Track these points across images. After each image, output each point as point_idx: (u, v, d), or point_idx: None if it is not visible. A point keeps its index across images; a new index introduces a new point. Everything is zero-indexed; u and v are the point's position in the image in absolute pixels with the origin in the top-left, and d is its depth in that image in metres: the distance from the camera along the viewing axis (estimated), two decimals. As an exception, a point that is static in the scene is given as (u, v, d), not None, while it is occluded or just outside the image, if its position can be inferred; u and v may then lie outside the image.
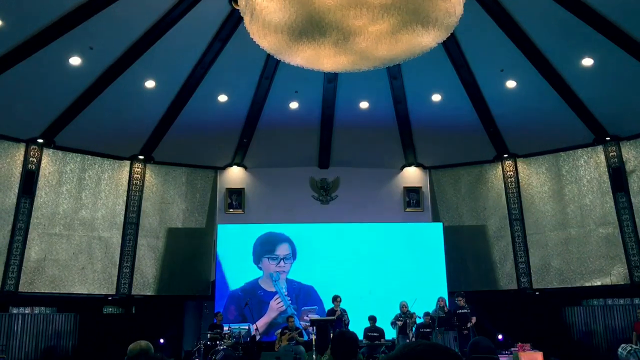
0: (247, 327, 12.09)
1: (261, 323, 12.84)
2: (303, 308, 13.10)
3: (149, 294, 13.31)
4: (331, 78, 11.95)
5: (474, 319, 11.34)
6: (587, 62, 11.02)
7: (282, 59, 6.85)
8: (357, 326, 11.25)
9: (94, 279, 12.74)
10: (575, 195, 13.10)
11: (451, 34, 6.84)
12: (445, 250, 13.53)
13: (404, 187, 14.63)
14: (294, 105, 12.91)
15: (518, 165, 13.89)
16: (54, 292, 12.22)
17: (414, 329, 11.32)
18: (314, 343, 10.35)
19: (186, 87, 11.98)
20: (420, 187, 14.61)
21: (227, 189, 14.37)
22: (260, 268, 13.47)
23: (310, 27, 5.84)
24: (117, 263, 13.04)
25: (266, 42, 6.41)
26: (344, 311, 11.43)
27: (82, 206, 12.86)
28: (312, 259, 13.49)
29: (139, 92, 11.79)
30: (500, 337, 11.79)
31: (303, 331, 11.72)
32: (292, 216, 13.95)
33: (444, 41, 6.90)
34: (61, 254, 12.42)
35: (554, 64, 11.24)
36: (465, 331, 11.22)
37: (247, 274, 13.43)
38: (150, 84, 11.70)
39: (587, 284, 12.64)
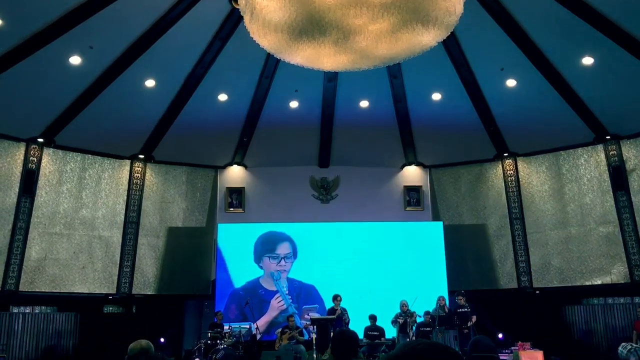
0: (248, 326, 12.10)
1: (262, 322, 12.84)
2: (304, 307, 13.11)
3: (149, 293, 13.32)
4: (331, 77, 11.95)
5: (474, 318, 11.35)
6: (588, 60, 11.02)
7: (282, 58, 6.84)
8: (358, 325, 11.25)
9: (94, 278, 12.75)
10: (575, 194, 13.10)
11: (451, 32, 6.84)
12: (446, 249, 13.53)
13: (404, 186, 14.63)
14: (294, 104, 12.90)
15: (518, 164, 13.89)
16: (55, 291, 12.23)
17: (414, 328, 11.32)
18: (314, 342, 10.36)
19: (186, 87, 11.98)
20: (421, 186, 14.61)
21: (228, 188, 14.38)
22: (261, 267, 13.47)
23: (310, 26, 5.84)
24: (118, 262, 13.04)
25: (266, 41, 6.41)
26: (344, 310, 11.44)
27: (83, 205, 12.87)
28: (313, 258, 13.49)
29: (139, 91, 11.79)
30: (500, 336, 11.78)
31: (303, 330, 11.73)
32: (292, 215, 13.95)
33: (444, 40, 6.89)
34: (62, 253, 12.43)
35: (554, 63, 11.24)
36: (465, 330, 11.23)
37: (248, 273, 13.44)
38: (150, 83, 11.70)
39: (587, 283, 12.65)
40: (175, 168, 14.16)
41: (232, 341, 11.10)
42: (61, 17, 9.60)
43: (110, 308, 13.09)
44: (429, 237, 13.76)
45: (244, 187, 14.46)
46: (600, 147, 12.84)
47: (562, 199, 13.23)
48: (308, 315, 12.41)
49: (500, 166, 14.04)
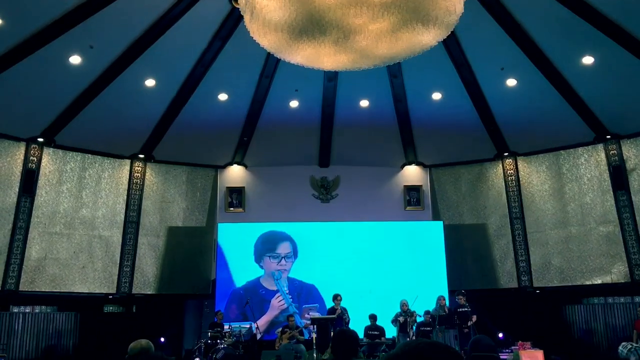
0: (248, 326, 12.09)
1: (262, 321, 12.85)
2: (304, 306, 13.11)
3: (149, 292, 13.32)
4: (331, 76, 11.95)
5: (474, 318, 11.35)
6: (588, 60, 11.02)
7: (282, 57, 6.84)
8: (358, 325, 11.25)
9: (94, 277, 12.75)
10: (575, 194, 13.09)
11: (451, 32, 6.83)
12: (446, 249, 13.53)
13: (405, 186, 14.63)
14: (294, 103, 12.90)
15: (518, 163, 13.88)
16: (55, 291, 12.23)
17: (414, 327, 11.32)
18: (314, 342, 10.35)
19: (186, 86, 11.98)
20: (421, 186, 14.61)
21: (228, 187, 14.38)
22: (261, 267, 13.47)
23: (311, 26, 5.83)
24: (118, 262, 13.04)
25: (266, 40, 6.40)
26: (344, 310, 11.44)
27: (83, 205, 12.87)
28: (313, 257, 13.49)
29: (139, 90, 11.79)
30: (500, 335, 11.78)
31: (304, 330, 11.73)
32: (292, 215, 13.95)
33: (444, 39, 6.88)
34: (62, 253, 12.43)
35: (554, 63, 11.23)
36: (465, 329, 11.23)
37: (248, 272, 13.44)
38: (150, 82, 11.70)
39: (587, 282, 12.64)
40: (176, 168, 14.16)
41: (232, 341, 11.10)
42: (61, 17, 9.60)
43: (111, 308, 13.09)
44: (429, 236, 13.75)
45: (244, 187, 14.46)
46: (600, 146, 12.83)
47: (563, 199, 13.23)
48: (308, 314, 12.42)
49: (501, 166, 14.04)
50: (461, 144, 13.81)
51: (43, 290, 12.10)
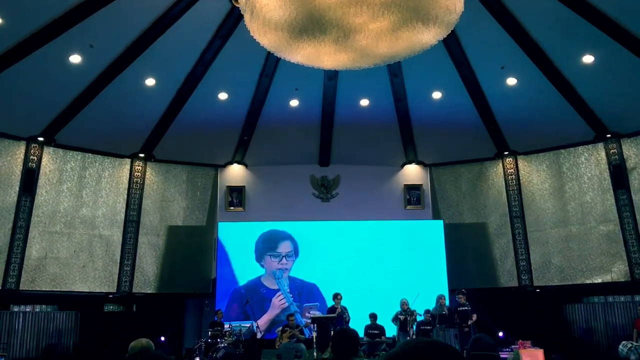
0: (248, 325, 12.10)
1: (264, 320, 12.87)
2: (305, 305, 13.12)
3: (149, 291, 13.32)
4: (331, 75, 11.94)
5: (474, 317, 11.34)
6: (588, 59, 11.01)
7: (283, 56, 6.83)
8: (358, 324, 11.26)
9: (94, 277, 12.76)
10: (575, 193, 13.09)
11: (452, 31, 6.83)
12: (446, 248, 13.53)
13: (405, 185, 14.63)
14: (294, 102, 12.90)
15: (519, 162, 13.88)
16: (55, 290, 12.24)
17: (414, 326, 11.32)
18: (314, 340, 10.36)
19: (186, 85, 11.98)
20: (421, 185, 14.61)
21: (228, 186, 14.38)
22: (262, 266, 13.48)
23: (311, 25, 5.83)
24: (118, 261, 13.05)
25: (266, 39, 6.40)
26: (344, 309, 11.44)
27: (83, 204, 12.87)
28: (313, 256, 13.50)
29: (140, 90, 11.79)
30: (501, 334, 11.78)
31: (304, 329, 11.74)
32: (292, 214, 13.96)
33: (444, 38, 6.88)
34: (62, 252, 12.43)
35: (554, 61, 11.23)
36: (466, 328, 11.23)
37: (248, 271, 13.45)
38: (150, 81, 11.70)
39: (587, 281, 12.65)
40: (176, 167, 14.16)
41: (232, 340, 11.11)
42: (61, 16, 9.60)
43: (111, 307, 13.10)
44: (429, 235, 13.76)
45: (244, 186, 14.46)
46: (600, 145, 12.83)
47: (563, 198, 13.23)
48: (309, 313, 12.43)
49: (501, 164, 14.04)
50: (461, 143, 13.80)
51: (43, 289, 12.11)
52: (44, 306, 12.31)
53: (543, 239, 13.31)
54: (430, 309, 11.61)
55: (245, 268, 13.46)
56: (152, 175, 13.85)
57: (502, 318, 12.54)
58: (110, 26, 10.09)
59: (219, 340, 10.95)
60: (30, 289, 11.93)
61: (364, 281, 13.11)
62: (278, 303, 13.18)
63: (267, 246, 13.59)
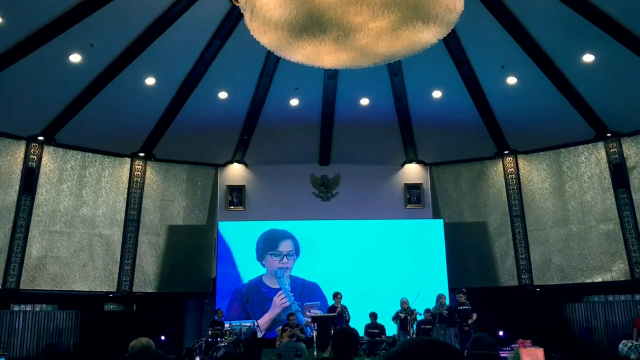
0: (248, 324, 12.09)
1: (265, 319, 12.89)
2: (305, 303, 13.12)
3: (149, 291, 13.32)
4: (331, 75, 11.94)
5: (474, 316, 11.35)
6: (588, 58, 11.01)
7: (283, 55, 6.83)
8: (358, 323, 11.25)
9: (95, 276, 12.76)
10: (576, 192, 13.09)
11: (452, 30, 6.83)
12: (446, 247, 13.53)
13: (405, 184, 14.63)
14: (294, 102, 12.90)
15: (519, 161, 13.88)
16: (55, 289, 12.24)
17: (414, 325, 11.33)
18: (315, 340, 10.36)
19: (186, 84, 11.98)
20: (421, 184, 14.61)
21: (228, 186, 14.38)
22: (263, 265, 13.48)
23: (311, 24, 5.83)
24: (118, 260, 13.05)
25: (266, 38, 6.40)
26: (344, 308, 11.44)
27: (83, 203, 12.87)
28: (314, 255, 13.50)
29: (140, 89, 11.78)
30: (501, 333, 11.79)
31: (306, 327, 11.74)
32: (292, 213, 13.96)
33: (444, 38, 6.88)
34: (62, 252, 12.44)
35: (554, 61, 11.22)
36: (466, 328, 11.23)
37: (248, 270, 13.45)
38: (150, 81, 11.70)
39: (587, 281, 12.65)
40: (176, 166, 14.16)
41: (232, 339, 11.11)
42: (61, 15, 9.60)
43: (111, 306, 13.11)
44: (429, 234, 13.76)
45: (244, 185, 14.46)
46: (600, 144, 12.82)
47: (563, 197, 13.23)
48: (310, 312, 12.44)
49: (501, 164, 14.03)
50: (461, 142, 13.80)
51: (44, 288, 12.11)
52: (44, 305, 12.31)
53: (543, 238, 13.31)
54: (431, 308, 11.61)
55: (245, 267, 13.46)
56: (152, 174, 13.85)
57: (502, 317, 12.54)
58: (110, 25, 10.09)
59: (219, 339, 10.95)
60: (30, 288, 11.93)
61: (364, 280, 13.11)
62: (279, 302, 13.18)
63: (268, 245, 13.60)
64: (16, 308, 11.95)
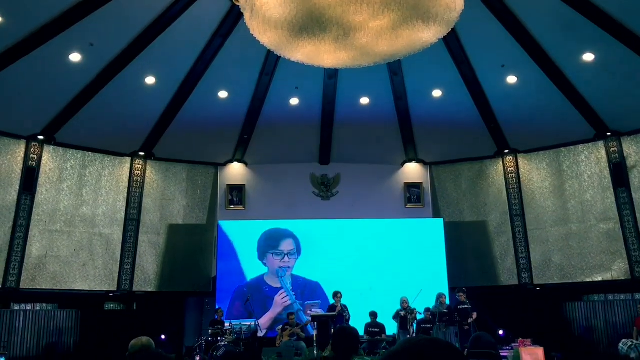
0: (251, 323, 12.09)
1: (266, 318, 12.91)
2: (306, 302, 13.13)
3: (150, 290, 13.33)
4: (331, 74, 11.93)
5: (475, 315, 11.35)
6: (588, 57, 11.00)
7: (283, 55, 6.84)
8: (358, 322, 11.26)
9: (95, 275, 12.76)
10: (576, 191, 13.09)
11: (452, 29, 6.82)
12: (446, 246, 13.54)
13: (405, 183, 14.63)
14: (294, 101, 12.90)
15: (519, 160, 13.87)
16: (55, 288, 12.25)
17: (414, 324, 11.33)
18: (315, 339, 10.37)
19: (186, 84, 11.97)
20: (421, 183, 14.61)
21: (228, 185, 14.38)
22: (264, 264, 13.49)
23: (311, 23, 5.83)
24: (118, 259, 13.06)
25: (266, 38, 6.40)
26: (344, 307, 11.45)
27: (83, 203, 12.88)
28: (314, 255, 13.51)
29: (140, 88, 11.78)
30: (501, 332, 11.79)
31: (307, 326, 11.75)
32: (292, 212, 13.96)
33: (444, 37, 6.88)
34: (62, 251, 12.44)
35: (555, 60, 11.22)
36: (466, 327, 11.23)
37: (248, 270, 13.46)
38: (150, 80, 11.70)
39: (587, 280, 12.65)
40: (176, 165, 14.16)
41: (232, 338, 11.12)
42: (61, 15, 9.59)
43: (111, 305, 13.11)
44: (429, 234, 13.76)
45: (244, 185, 14.46)
46: (601, 143, 12.82)
47: (563, 196, 13.22)
48: (311, 311, 12.44)
49: (501, 163, 14.03)
50: (461, 141, 13.79)
51: (44, 287, 12.12)
52: (44, 305, 12.32)
53: (543, 237, 13.31)
54: (431, 307, 11.61)
55: (245, 266, 13.47)
56: (152, 173, 13.85)
57: (503, 316, 12.55)
58: (110, 25, 10.09)
59: (219, 338, 10.95)
60: (30, 287, 11.94)
61: (364, 279, 13.12)
62: (280, 301, 13.19)
63: (269, 244, 13.60)
64: (16, 307, 11.96)
